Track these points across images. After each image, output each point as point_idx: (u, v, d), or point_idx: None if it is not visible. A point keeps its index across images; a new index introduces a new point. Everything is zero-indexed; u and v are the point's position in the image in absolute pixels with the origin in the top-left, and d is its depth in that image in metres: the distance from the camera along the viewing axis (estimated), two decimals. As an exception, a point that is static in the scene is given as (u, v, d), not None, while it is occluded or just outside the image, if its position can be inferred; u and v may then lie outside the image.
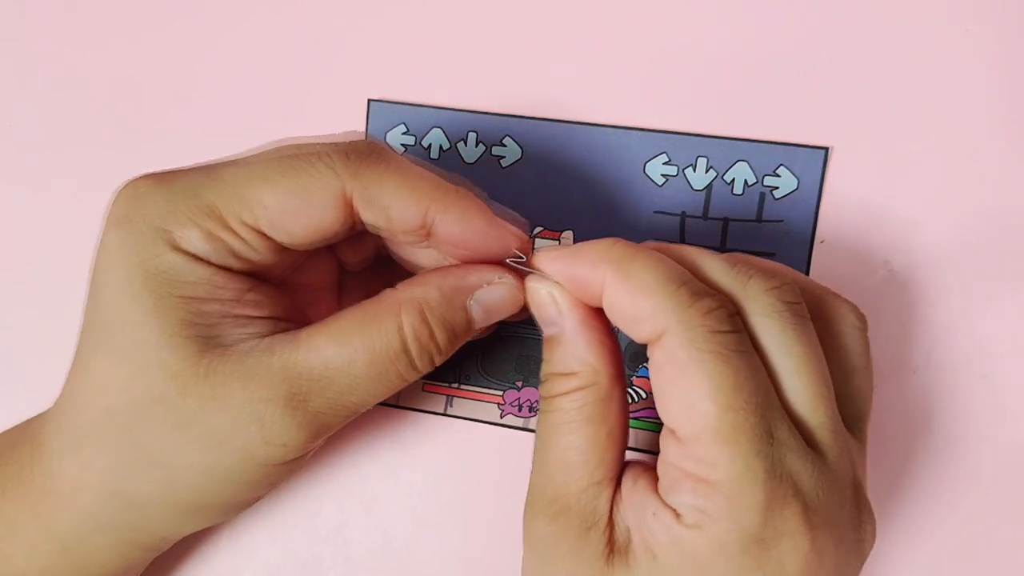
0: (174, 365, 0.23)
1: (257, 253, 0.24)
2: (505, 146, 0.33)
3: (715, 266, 0.23)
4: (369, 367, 0.24)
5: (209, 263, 0.23)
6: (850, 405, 0.24)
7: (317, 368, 0.23)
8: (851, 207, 0.31)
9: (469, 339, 0.26)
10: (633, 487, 0.23)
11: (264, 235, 0.24)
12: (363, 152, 0.24)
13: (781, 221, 0.31)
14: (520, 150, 0.33)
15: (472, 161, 0.33)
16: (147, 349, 0.23)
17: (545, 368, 0.25)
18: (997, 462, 0.30)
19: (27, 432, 0.27)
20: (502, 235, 0.25)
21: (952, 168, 0.30)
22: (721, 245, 0.31)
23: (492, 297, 0.25)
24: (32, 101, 0.36)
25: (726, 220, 0.31)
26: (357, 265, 0.30)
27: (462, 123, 0.33)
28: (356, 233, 0.26)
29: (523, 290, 0.25)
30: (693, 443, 0.21)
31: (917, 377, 0.31)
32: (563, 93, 0.33)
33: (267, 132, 0.34)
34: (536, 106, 0.33)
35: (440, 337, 0.25)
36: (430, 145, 0.33)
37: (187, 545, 0.34)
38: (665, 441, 0.23)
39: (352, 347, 0.24)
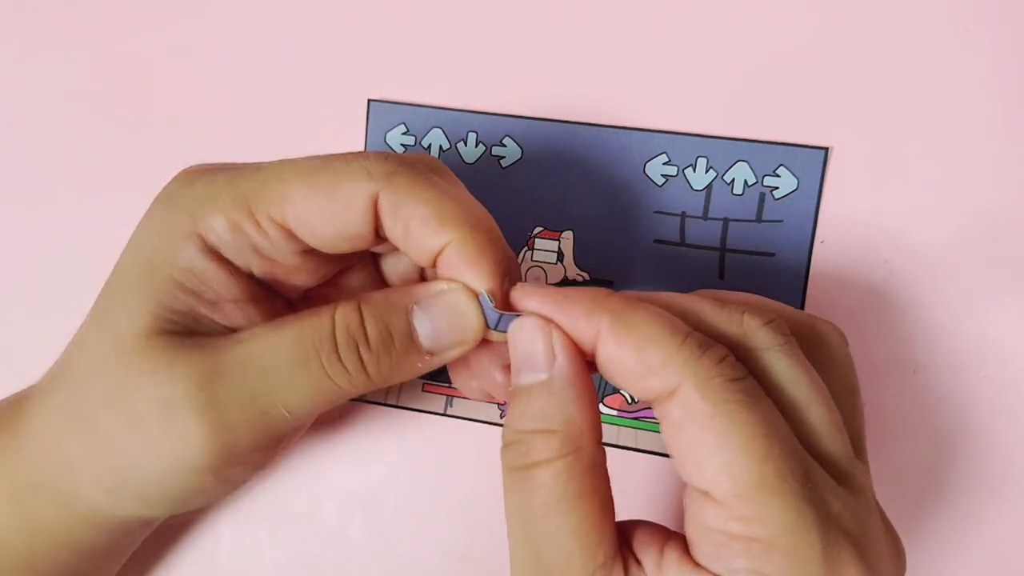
0: (127, 333, 0.23)
1: (278, 251, 0.24)
2: (505, 146, 0.33)
3: (707, 310, 0.22)
4: (293, 354, 0.22)
5: (217, 260, 0.23)
6: (849, 426, 0.23)
7: (238, 353, 0.23)
8: (851, 207, 0.31)
9: (417, 359, 0.24)
10: (660, 561, 0.21)
11: (289, 233, 0.24)
12: (407, 162, 0.24)
13: (781, 221, 0.31)
14: (520, 150, 0.33)
15: (472, 161, 0.33)
16: (116, 314, 0.23)
17: (517, 424, 0.22)
18: (997, 462, 0.30)
19: (23, 393, 0.28)
20: (515, 280, 0.24)
21: (952, 168, 0.30)
22: (721, 245, 0.31)
23: (437, 306, 0.23)
24: (32, 102, 0.36)
25: (726, 220, 0.31)
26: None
27: (462, 123, 0.33)
28: (395, 249, 0.25)
29: (479, 319, 0.23)
30: (735, 502, 0.20)
31: (917, 377, 0.31)
32: (563, 93, 0.33)
33: (268, 132, 0.34)
34: (536, 106, 0.33)
35: (371, 329, 0.23)
36: (430, 145, 0.33)
37: (187, 544, 0.34)
38: (697, 503, 0.21)
39: (281, 333, 0.23)
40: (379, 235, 0.24)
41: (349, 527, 0.33)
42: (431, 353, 0.24)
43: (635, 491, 0.32)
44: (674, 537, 0.22)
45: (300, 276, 0.26)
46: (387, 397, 0.33)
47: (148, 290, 0.23)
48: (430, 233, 0.23)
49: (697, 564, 0.21)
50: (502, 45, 0.33)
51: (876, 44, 0.31)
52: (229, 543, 0.34)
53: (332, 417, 0.34)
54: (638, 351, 0.21)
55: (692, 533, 0.21)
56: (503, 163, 0.33)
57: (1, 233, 0.36)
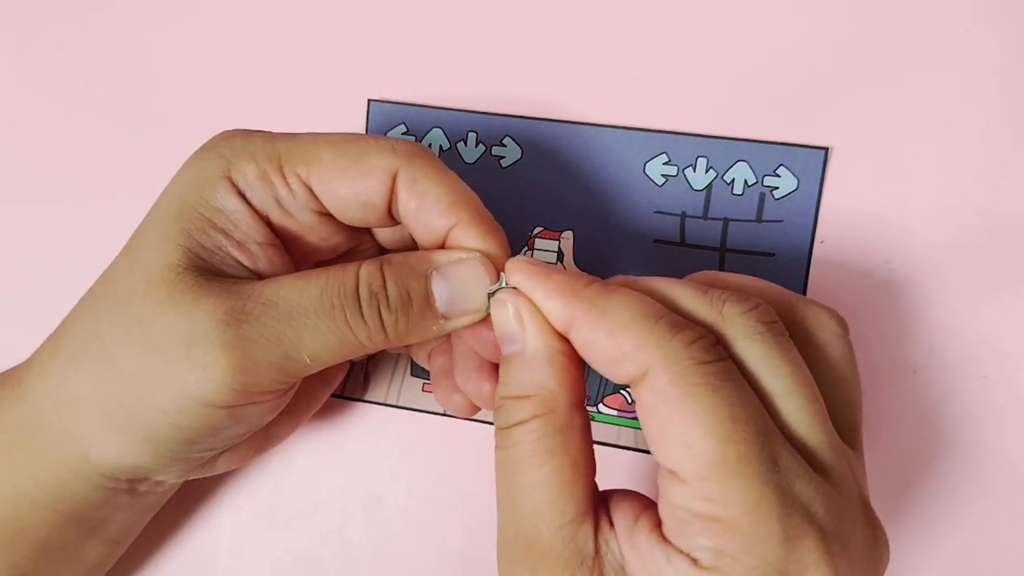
0: (154, 265, 0.24)
1: (298, 208, 0.25)
2: (505, 146, 0.33)
3: (687, 296, 0.23)
4: (317, 301, 0.23)
5: (248, 203, 0.25)
6: (841, 415, 0.24)
7: (266, 293, 0.23)
8: (851, 207, 0.31)
9: (432, 327, 0.25)
10: (633, 527, 0.22)
11: (311, 192, 0.25)
12: (427, 152, 0.26)
13: (781, 221, 0.31)
14: (520, 150, 0.33)
15: (472, 161, 0.33)
16: (146, 247, 0.24)
17: (501, 391, 0.24)
18: (997, 462, 0.30)
19: (8, 374, 0.28)
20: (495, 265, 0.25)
21: (952, 168, 0.30)
22: (721, 245, 0.31)
23: (454, 272, 0.25)
24: (32, 102, 0.36)
25: (726, 220, 0.31)
26: None
27: (462, 123, 0.33)
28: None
29: (488, 280, 0.25)
30: (698, 482, 0.20)
31: (917, 377, 0.31)
32: (563, 93, 0.33)
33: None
34: (536, 106, 0.33)
35: (391, 290, 0.24)
36: (430, 145, 0.33)
37: (187, 544, 0.34)
38: (666, 483, 0.21)
39: (308, 279, 0.24)
40: (391, 214, 0.26)
41: (349, 527, 0.33)
42: (445, 317, 0.25)
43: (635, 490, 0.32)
44: (650, 509, 0.23)
45: (313, 238, 0.27)
46: (387, 397, 0.33)
47: (179, 226, 0.24)
48: (440, 212, 0.25)
49: (665, 539, 0.21)
50: (503, 45, 0.33)
51: (876, 44, 0.31)
52: (229, 543, 0.34)
53: (332, 417, 0.34)
54: (611, 337, 0.21)
55: (662, 511, 0.22)
56: (503, 163, 0.33)
57: (0, 233, 0.36)
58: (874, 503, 0.24)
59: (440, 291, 0.25)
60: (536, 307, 0.23)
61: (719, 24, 0.32)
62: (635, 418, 0.32)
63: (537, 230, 0.32)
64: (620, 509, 0.23)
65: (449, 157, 0.33)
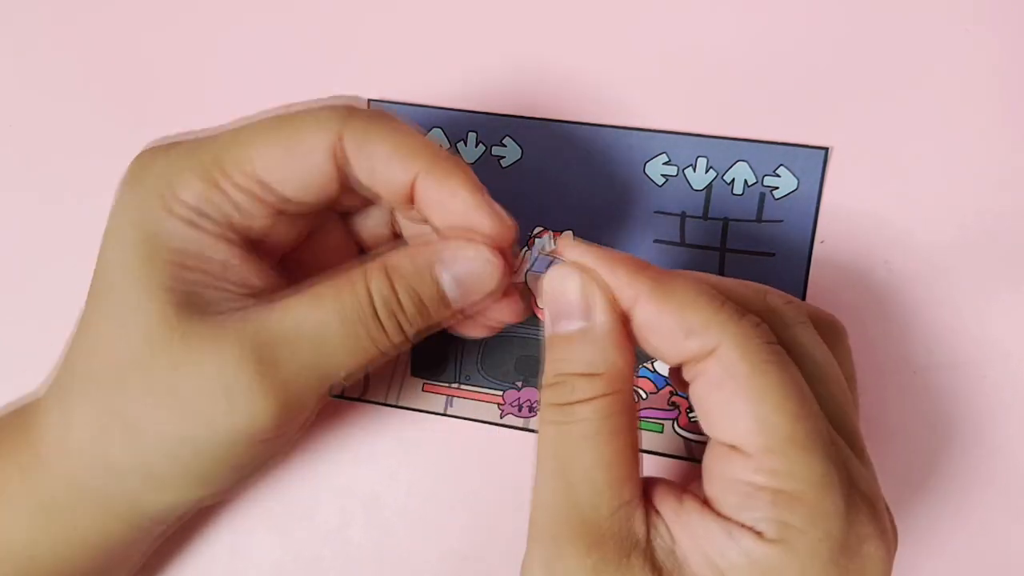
0: (151, 327, 0.23)
1: (251, 215, 0.24)
2: (505, 146, 0.33)
3: (733, 286, 0.23)
4: (341, 327, 0.23)
5: (202, 228, 0.24)
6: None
7: (290, 330, 0.23)
8: (851, 207, 0.31)
9: (448, 317, 0.25)
10: (680, 508, 0.22)
11: (258, 191, 0.24)
12: (359, 108, 0.24)
13: (781, 221, 0.31)
14: (520, 150, 0.33)
15: (472, 161, 0.33)
16: (129, 310, 0.23)
17: (559, 368, 0.23)
18: (998, 462, 0.30)
19: (27, 406, 0.27)
20: (486, 209, 0.24)
21: (952, 168, 0.30)
22: (721, 245, 0.31)
23: (464, 268, 0.24)
24: (32, 102, 0.36)
25: (726, 220, 0.31)
26: (375, 245, 0.29)
27: (462, 123, 0.33)
28: (364, 205, 0.26)
29: (500, 268, 0.24)
30: (766, 456, 0.20)
31: (917, 377, 0.31)
32: (563, 93, 0.33)
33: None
34: (536, 106, 0.33)
35: (406, 303, 0.24)
36: (430, 145, 0.33)
37: (187, 544, 0.34)
38: (723, 458, 0.21)
39: (324, 307, 0.23)
40: (344, 186, 0.25)
41: (349, 527, 0.33)
42: (459, 306, 0.25)
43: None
44: (689, 493, 0.23)
45: (276, 236, 0.26)
46: (387, 397, 0.33)
47: (153, 280, 0.23)
48: (397, 166, 0.24)
49: (719, 515, 0.21)
50: (503, 46, 0.33)
51: (876, 44, 0.31)
52: (229, 543, 0.34)
53: (332, 417, 0.33)
54: (679, 312, 0.22)
55: (716, 488, 0.22)
56: (503, 163, 0.33)
57: (0, 233, 0.36)
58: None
59: (451, 287, 0.24)
60: (604, 283, 0.23)
61: (719, 24, 0.32)
62: (642, 418, 0.32)
63: (537, 230, 0.32)
64: (661, 495, 0.23)
65: (449, 157, 0.33)
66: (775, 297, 0.23)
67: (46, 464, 0.25)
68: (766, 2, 0.32)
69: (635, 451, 0.22)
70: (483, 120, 0.33)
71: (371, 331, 0.24)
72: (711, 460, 0.22)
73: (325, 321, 0.23)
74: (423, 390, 0.33)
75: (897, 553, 0.31)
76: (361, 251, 0.30)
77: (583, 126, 0.32)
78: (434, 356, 0.33)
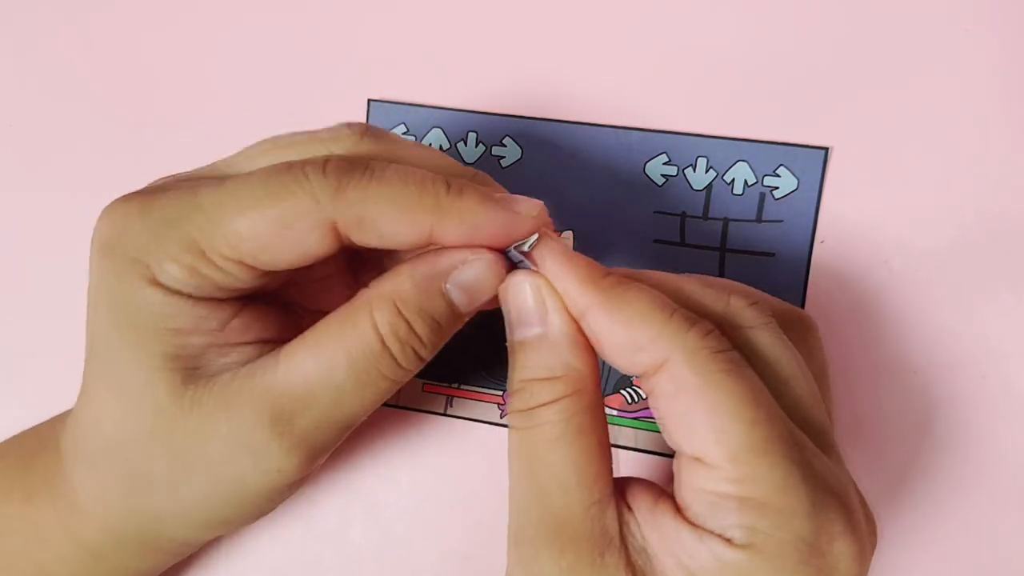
0: (160, 400, 0.23)
1: (241, 281, 0.23)
2: (505, 146, 0.33)
3: (694, 289, 0.23)
4: (350, 374, 0.23)
5: (190, 296, 0.23)
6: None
7: (298, 385, 0.22)
8: (851, 207, 0.31)
9: (460, 325, 0.24)
10: (654, 510, 0.22)
11: (249, 265, 0.22)
12: (345, 168, 0.22)
13: (781, 221, 0.31)
14: (520, 150, 0.33)
15: (472, 161, 0.33)
16: (134, 384, 0.23)
17: (520, 375, 0.23)
18: (997, 462, 0.30)
19: (50, 440, 0.27)
20: (510, 223, 0.23)
21: (952, 168, 0.30)
22: (721, 245, 0.31)
23: (469, 276, 0.23)
24: (32, 102, 0.36)
25: (726, 220, 0.31)
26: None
27: (462, 123, 0.33)
28: None
29: (503, 267, 0.24)
30: (728, 465, 0.21)
31: (917, 377, 0.31)
32: (563, 93, 0.33)
33: (268, 132, 0.34)
34: (536, 106, 0.33)
35: (421, 329, 0.23)
36: (430, 145, 0.33)
37: (187, 545, 0.34)
38: (688, 469, 0.22)
39: (329, 355, 0.23)
40: (343, 244, 0.23)
41: (349, 527, 0.33)
42: (469, 312, 0.24)
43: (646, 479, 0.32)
44: (665, 495, 0.23)
45: (272, 283, 0.25)
46: (387, 397, 0.33)
47: (154, 354, 0.23)
48: (404, 230, 0.22)
49: (691, 523, 0.21)
50: (502, 45, 0.33)
51: (876, 44, 0.31)
52: (228, 544, 0.34)
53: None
54: (627, 327, 0.22)
55: (685, 496, 0.22)
56: (503, 163, 0.33)
57: (0, 233, 0.36)
58: (872, 502, 0.24)
59: (460, 297, 0.23)
60: (556, 290, 0.23)
61: (719, 24, 0.32)
62: (635, 418, 0.32)
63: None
64: (636, 494, 0.23)
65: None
66: (738, 298, 0.23)
67: (87, 513, 0.26)
68: (766, 2, 0.32)
69: (604, 449, 0.22)
70: (483, 120, 0.33)
71: (383, 368, 0.23)
72: (678, 468, 0.22)
73: (333, 371, 0.23)
74: (423, 390, 0.33)
75: (895, 553, 0.31)
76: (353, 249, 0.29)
77: (583, 126, 0.32)
78: (434, 356, 0.33)
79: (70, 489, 0.26)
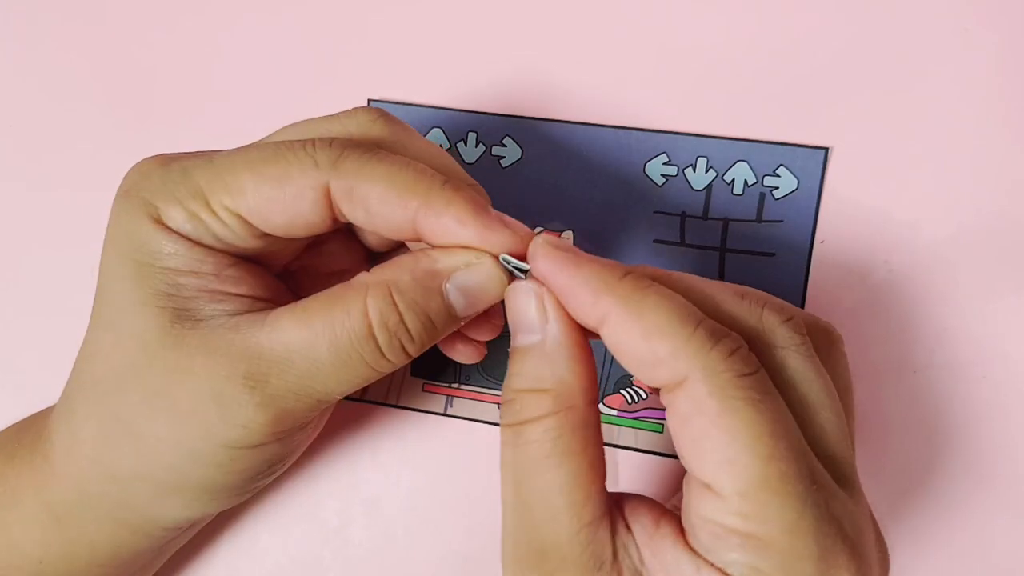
0: (146, 334, 0.23)
1: (239, 238, 0.24)
2: (505, 146, 0.33)
3: (726, 298, 0.22)
4: (331, 352, 0.22)
5: (193, 242, 0.23)
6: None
7: (277, 349, 0.23)
8: (851, 207, 0.31)
9: (455, 327, 0.24)
10: (654, 533, 0.21)
11: (245, 221, 0.23)
12: (349, 144, 0.23)
13: (781, 221, 0.31)
14: (520, 150, 0.33)
15: (472, 161, 0.33)
16: (125, 317, 0.23)
17: (513, 383, 0.22)
18: (998, 462, 0.30)
19: (41, 416, 0.28)
20: (496, 234, 0.23)
21: (952, 168, 0.30)
22: (721, 245, 0.31)
23: (470, 280, 0.23)
24: (32, 102, 0.36)
25: (726, 220, 0.31)
26: (384, 246, 0.28)
27: (462, 123, 0.33)
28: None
29: (505, 276, 0.23)
30: (736, 498, 0.19)
31: (917, 377, 0.31)
32: (563, 93, 0.33)
33: (268, 132, 0.34)
34: (536, 106, 0.33)
35: (411, 322, 0.23)
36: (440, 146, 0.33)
37: (187, 544, 0.34)
38: (697, 495, 0.20)
39: (313, 329, 0.22)
40: (338, 219, 0.24)
41: (349, 527, 0.33)
42: (464, 317, 0.24)
43: (635, 491, 0.32)
44: (668, 515, 0.22)
45: (271, 255, 0.25)
46: (387, 397, 0.33)
47: (148, 288, 0.23)
48: (392, 209, 0.23)
49: (692, 550, 0.21)
50: (503, 45, 0.33)
51: (876, 44, 0.31)
52: (228, 543, 0.34)
53: (332, 417, 0.33)
54: (646, 340, 0.20)
55: (690, 521, 0.21)
56: (503, 163, 0.33)
57: (0, 233, 0.36)
58: (874, 503, 0.24)
59: (458, 300, 0.23)
60: (556, 297, 0.22)
61: (719, 24, 0.32)
62: (635, 418, 0.32)
63: (537, 230, 0.32)
64: (637, 514, 0.22)
65: (449, 157, 0.33)
66: (772, 312, 0.22)
67: (55, 471, 0.25)
68: (766, 2, 0.32)
69: (596, 469, 0.22)
70: (483, 120, 0.33)
71: (366, 354, 0.23)
72: (689, 492, 0.21)
73: (314, 345, 0.23)
74: (423, 390, 0.33)
75: (894, 553, 0.31)
76: (369, 252, 0.29)
77: (583, 126, 0.32)
78: (434, 356, 0.33)
79: (48, 443, 0.26)
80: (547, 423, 0.21)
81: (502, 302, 0.24)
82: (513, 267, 0.23)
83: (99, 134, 0.35)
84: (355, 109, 0.25)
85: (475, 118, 0.33)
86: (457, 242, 0.23)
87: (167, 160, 0.24)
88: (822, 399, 0.21)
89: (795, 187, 0.31)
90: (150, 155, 0.25)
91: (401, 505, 0.33)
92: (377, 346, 0.23)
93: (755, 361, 0.20)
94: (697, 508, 0.20)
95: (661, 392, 0.21)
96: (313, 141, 0.23)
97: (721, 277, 0.31)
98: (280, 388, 0.23)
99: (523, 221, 0.32)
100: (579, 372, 0.22)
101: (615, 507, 0.22)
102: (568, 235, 0.32)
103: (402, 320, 0.23)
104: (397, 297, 0.23)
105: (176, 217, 0.23)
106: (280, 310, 0.23)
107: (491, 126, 0.33)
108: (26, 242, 0.36)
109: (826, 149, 0.31)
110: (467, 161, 0.33)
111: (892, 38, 0.31)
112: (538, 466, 0.21)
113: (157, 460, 0.24)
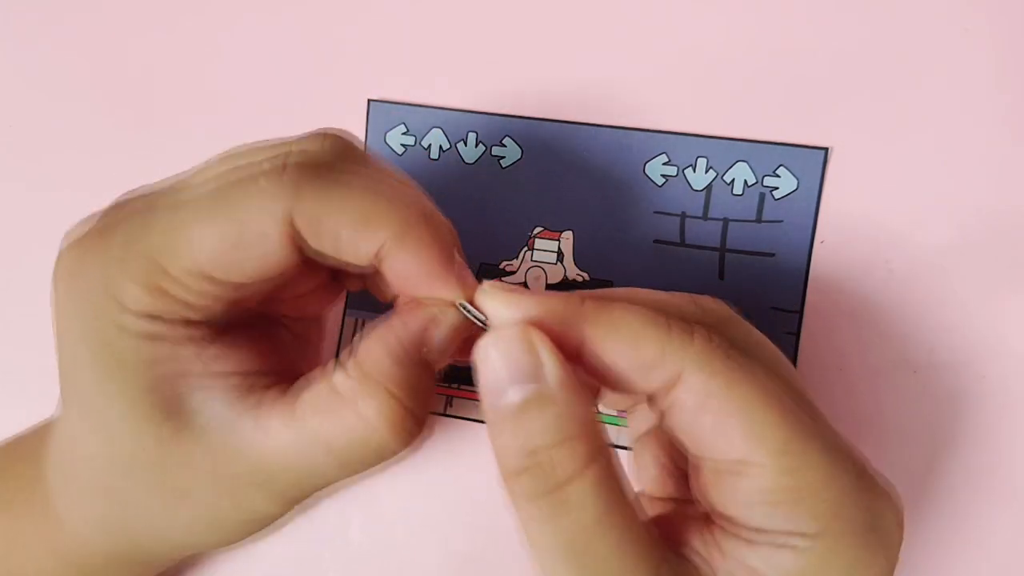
0: (140, 433, 0.22)
1: (211, 298, 0.21)
2: (505, 146, 0.33)
3: (666, 299, 0.22)
4: (329, 456, 0.21)
5: (158, 332, 0.21)
6: None
7: (276, 456, 0.21)
8: (851, 207, 0.31)
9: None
10: (711, 539, 0.21)
11: (211, 278, 0.21)
12: (308, 168, 0.21)
13: (781, 221, 0.31)
14: (520, 150, 0.33)
15: (472, 161, 0.33)
16: (113, 416, 0.22)
17: (525, 445, 0.20)
18: (997, 462, 0.30)
19: (30, 449, 0.27)
20: (453, 283, 0.22)
21: (952, 168, 0.30)
22: (721, 245, 0.31)
23: (441, 336, 0.22)
24: (32, 102, 0.36)
25: (726, 220, 0.31)
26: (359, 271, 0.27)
27: (462, 123, 0.33)
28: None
29: (466, 325, 0.22)
30: (778, 458, 0.20)
31: (917, 377, 0.31)
32: (563, 93, 0.33)
33: (267, 132, 0.34)
34: (536, 106, 0.33)
35: (415, 407, 0.21)
36: (430, 145, 0.33)
37: (187, 545, 0.34)
38: (729, 479, 0.20)
39: (308, 436, 0.21)
40: (307, 259, 0.22)
41: (349, 527, 0.33)
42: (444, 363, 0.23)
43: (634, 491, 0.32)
44: (702, 519, 0.22)
45: (244, 303, 0.23)
46: (387, 397, 0.33)
47: (130, 393, 0.22)
48: (362, 238, 0.21)
49: (749, 528, 0.20)
50: (502, 45, 0.33)
51: (876, 44, 0.31)
52: (229, 543, 0.34)
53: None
54: (633, 347, 0.20)
55: (735, 505, 0.20)
56: (503, 163, 0.33)
57: (0, 233, 0.36)
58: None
59: (435, 358, 0.22)
60: (544, 335, 0.20)
61: (719, 24, 0.32)
62: (635, 418, 0.32)
63: (537, 230, 0.32)
64: (683, 533, 0.22)
65: (449, 157, 0.33)
66: (705, 301, 0.23)
67: (64, 529, 0.25)
68: (766, 2, 0.32)
69: (639, 506, 0.21)
70: (483, 120, 0.33)
71: (379, 454, 0.22)
72: (716, 481, 0.21)
73: (312, 454, 0.21)
74: (423, 390, 0.33)
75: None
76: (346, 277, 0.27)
77: (583, 126, 0.32)
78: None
79: (48, 503, 0.25)
80: (590, 477, 0.19)
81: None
82: (472, 315, 0.22)
83: (99, 134, 0.35)
84: (305, 134, 0.23)
85: (475, 118, 0.33)
86: (419, 288, 0.22)
87: (100, 233, 0.22)
88: (774, 351, 0.22)
89: (795, 187, 0.31)
90: (68, 230, 0.23)
91: (401, 505, 0.33)
92: (381, 441, 0.21)
93: (727, 338, 0.21)
94: (734, 493, 0.20)
95: (655, 399, 0.21)
96: (267, 169, 0.21)
97: (721, 277, 0.31)
98: (286, 484, 0.22)
99: (523, 221, 0.32)
100: (592, 405, 0.21)
101: (663, 535, 0.21)
102: (568, 235, 0.32)
103: (405, 408, 0.21)
104: (391, 387, 0.21)
105: (139, 298, 0.21)
106: (270, 409, 0.22)
107: (491, 126, 0.33)
108: (26, 242, 0.36)
109: (826, 149, 0.31)
110: (467, 161, 0.33)
111: (892, 38, 0.31)
112: (596, 530, 0.19)
113: (170, 532, 0.24)
